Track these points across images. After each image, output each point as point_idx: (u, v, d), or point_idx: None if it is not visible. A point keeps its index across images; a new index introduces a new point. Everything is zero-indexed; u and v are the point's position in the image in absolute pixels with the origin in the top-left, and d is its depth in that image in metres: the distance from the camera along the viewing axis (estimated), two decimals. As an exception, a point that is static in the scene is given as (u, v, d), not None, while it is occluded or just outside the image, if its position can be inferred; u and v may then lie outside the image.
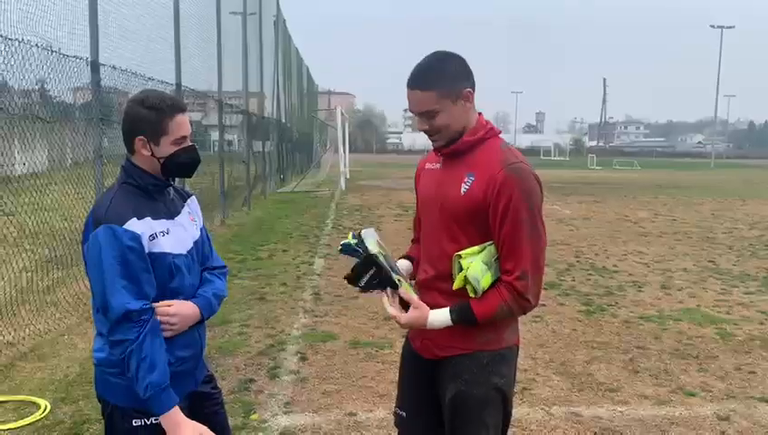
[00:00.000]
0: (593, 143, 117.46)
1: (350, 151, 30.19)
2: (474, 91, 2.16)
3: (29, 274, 6.80)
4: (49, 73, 5.69)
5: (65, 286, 6.71)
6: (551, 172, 41.24)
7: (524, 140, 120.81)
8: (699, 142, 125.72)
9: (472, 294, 2.11)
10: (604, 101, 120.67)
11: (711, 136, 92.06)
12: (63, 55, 5.66)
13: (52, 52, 5.44)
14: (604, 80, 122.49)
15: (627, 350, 5.54)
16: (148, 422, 2.13)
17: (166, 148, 2.12)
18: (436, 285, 2.24)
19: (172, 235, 2.16)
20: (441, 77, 2.11)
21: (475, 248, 2.12)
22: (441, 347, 2.25)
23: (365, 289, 2.23)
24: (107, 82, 6.49)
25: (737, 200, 21.20)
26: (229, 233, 11.63)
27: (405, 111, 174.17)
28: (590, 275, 8.62)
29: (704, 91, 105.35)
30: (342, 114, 24.05)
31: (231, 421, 4.00)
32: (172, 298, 2.14)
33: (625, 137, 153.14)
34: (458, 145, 2.18)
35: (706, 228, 13.65)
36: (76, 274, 6.88)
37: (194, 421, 2.10)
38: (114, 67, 6.59)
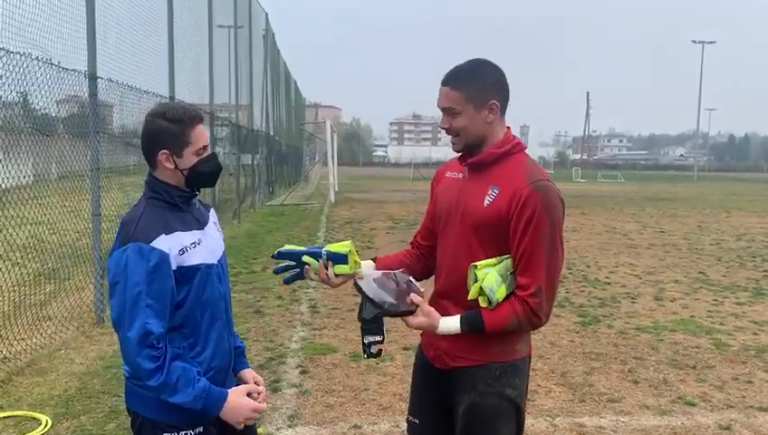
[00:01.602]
0: (577, 156, 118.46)
1: (338, 164, 30.20)
2: (501, 105, 2.19)
3: (22, 288, 6.73)
4: (46, 86, 5.68)
5: (59, 300, 6.64)
6: (537, 185, 41.46)
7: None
8: (681, 155, 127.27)
9: (485, 305, 2.12)
10: (587, 114, 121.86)
11: (693, 149, 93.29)
12: (63, 68, 5.64)
13: (52, 65, 5.42)
14: (587, 93, 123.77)
15: (625, 360, 5.58)
16: None
17: (189, 159, 2.12)
18: (449, 295, 2.26)
19: (204, 245, 2.15)
20: (472, 82, 2.14)
21: (492, 260, 2.13)
22: (454, 357, 2.26)
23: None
24: (103, 96, 6.46)
25: (722, 212, 21.48)
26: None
27: (391, 124, 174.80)
28: (583, 286, 8.69)
29: (685, 104, 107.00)
30: (331, 127, 24.10)
31: (235, 435, 4.01)
32: (204, 309, 2.14)
33: (608, 150, 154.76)
34: (484, 156, 2.20)
35: (694, 240, 13.81)
36: (69, 287, 6.83)
37: (236, 391, 2.16)
38: (111, 80, 6.57)
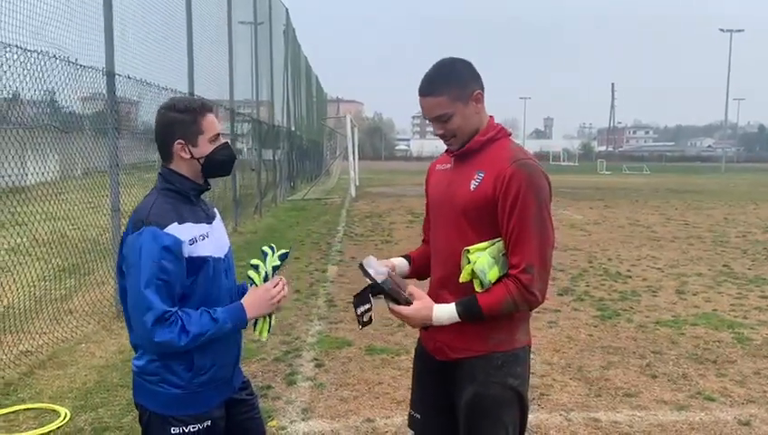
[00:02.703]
0: (602, 148, 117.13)
1: (359, 159, 30.25)
2: (483, 92, 2.22)
3: (44, 283, 6.86)
4: (65, 83, 5.76)
5: (81, 295, 6.75)
6: (560, 178, 41.10)
7: (533, 146, 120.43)
8: (709, 146, 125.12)
9: (478, 289, 2.13)
10: (612, 105, 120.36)
11: (721, 140, 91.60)
12: (80, 66, 5.72)
13: (69, 62, 5.49)
14: (612, 85, 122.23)
15: (643, 355, 5.51)
16: (186, 430, 2.16)
17: (204, 147, 2.16)
18: (445, 284, 2.26)
19: (211, 238, 2.18)
20: (450, 81, 2.17)
21: (484, 244, 2.14)
22: (454, 349, 2.26)
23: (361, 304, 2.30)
24: (122, 92, 6.54)
25: (750, 204, 21.06)
26: (241, 240, 11.66)
27: (413, 117, 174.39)
28: (603, 280, 8.59)
29: (713, 94, 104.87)
30: (352, 122, 24.11)
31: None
32: (212, 303, 2.16)
33: (634, 142, 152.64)
34: (470, 145, 2.24)
35: (719, 232, 13.57)
36: (91, 282, 6.94)
37: (248, 294, 2.24)
38: (129, 77, 6.65)
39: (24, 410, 4.33)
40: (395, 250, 10.50)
